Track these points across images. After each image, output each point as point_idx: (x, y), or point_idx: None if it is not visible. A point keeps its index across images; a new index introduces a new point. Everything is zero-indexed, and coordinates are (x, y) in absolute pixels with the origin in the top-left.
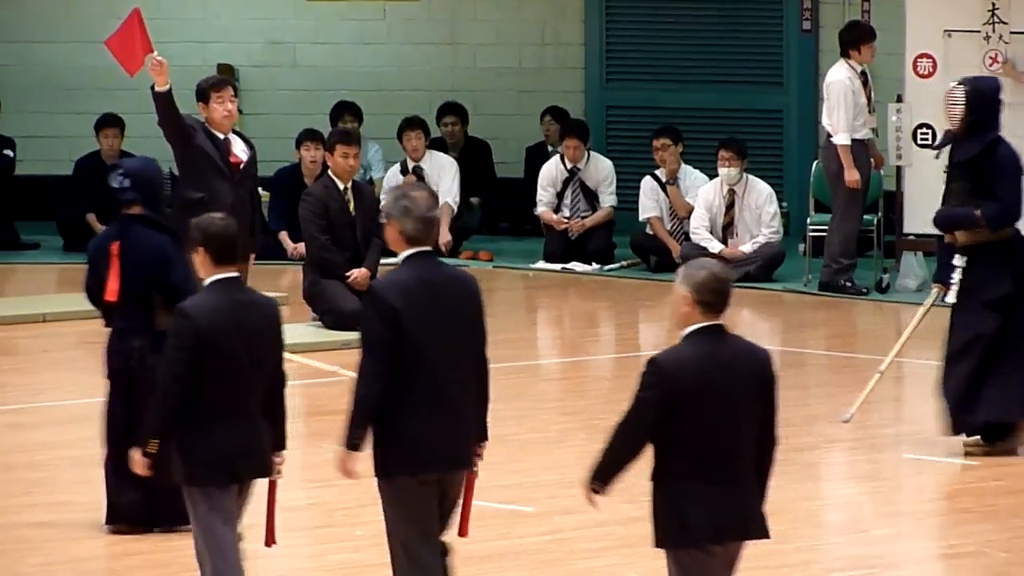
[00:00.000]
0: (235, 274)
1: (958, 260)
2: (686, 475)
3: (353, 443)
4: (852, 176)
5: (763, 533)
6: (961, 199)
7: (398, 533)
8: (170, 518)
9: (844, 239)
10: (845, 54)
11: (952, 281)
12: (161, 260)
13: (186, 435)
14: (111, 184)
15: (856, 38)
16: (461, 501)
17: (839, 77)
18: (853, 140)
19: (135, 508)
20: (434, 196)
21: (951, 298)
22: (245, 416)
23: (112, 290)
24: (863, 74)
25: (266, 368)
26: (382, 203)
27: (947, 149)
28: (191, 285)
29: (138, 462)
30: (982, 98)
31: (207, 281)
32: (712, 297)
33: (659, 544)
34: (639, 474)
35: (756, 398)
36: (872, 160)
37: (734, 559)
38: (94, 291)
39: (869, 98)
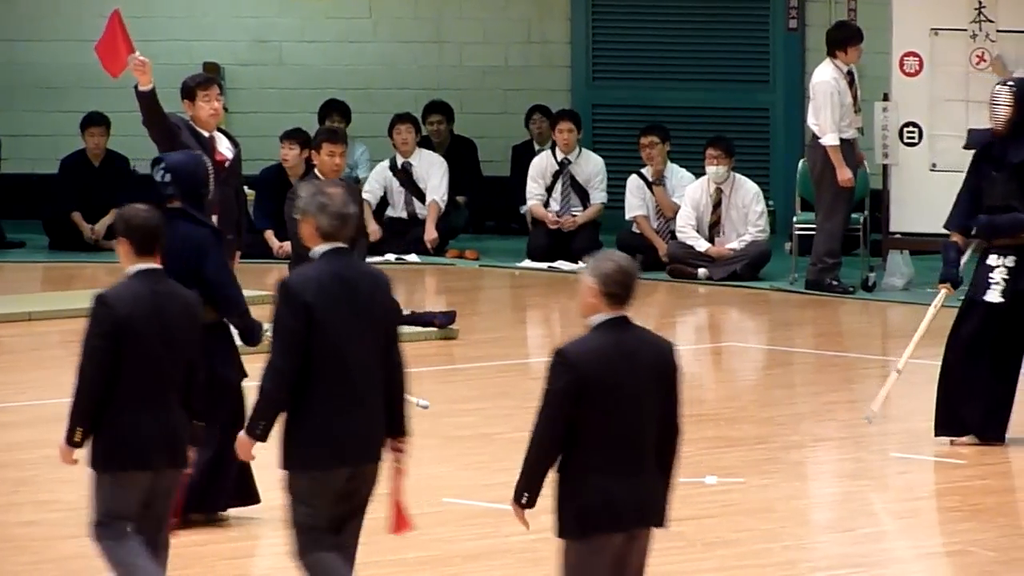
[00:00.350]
0: (157, 266)
1: (996, 259)
2: (589, 464)
3: (256, 433)
4: (844, 175)
5: (661, 522)
6: (1005, 200)
7: (300, 521)
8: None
9: (828, 238)
10: (832, 54)
11: (993, 280)
12: (197, 254)
13: (100, 421)
14: (153, 177)
15: (843, 39)
16: (391, 498)
17: (825, 78)
18: (840, 140)
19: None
20: (349, 193)
21: (994, 297)
22: (161, 407)
23: None
24: (849, 74)
25: (184, 360)
26: (297, 199)
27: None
28: (227, 279)
29: (64, 452)
30: None
31: (129, 271)
32: (618, 289)
33: (560, 534)
34: None
35: (660, 389)
36: (856, 156)
37: (642, 548)
38: None
39: (855, 97)
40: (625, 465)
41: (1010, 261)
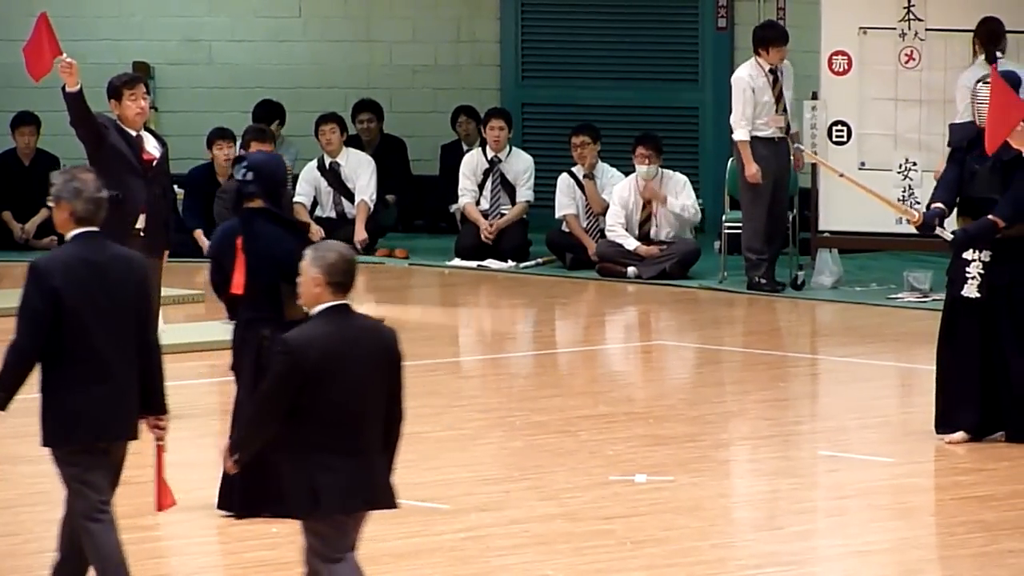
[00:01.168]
0: None
1: (972, 253)
2: (317, 447)
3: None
4: (750, 170)
5: (391, 503)
6: (987, 192)
7: (73, 492)
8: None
9: (749, 235)
10: (756, 52)
11: (969, 274)
12: (286, 253)
13: None
14: (235, 176)
15: (765, 39)
16: (155, 475)
17: (741, 75)
18: (757, 138)
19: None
20: (100, 178)
21: (971, 292)
22: None
23: (238, 283)
24: (772, 72)
25: None
26: (51, 185)
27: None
28: None
29: None
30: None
31: None
32: (342, 277)
33: (292, 515)
34: (553, 473)
35: (383, 373)
36: (793, 159)
37: (358, 526)
38: (220, 285)
39: (779, 97)
40: (352, 447)
41: (986, 256)
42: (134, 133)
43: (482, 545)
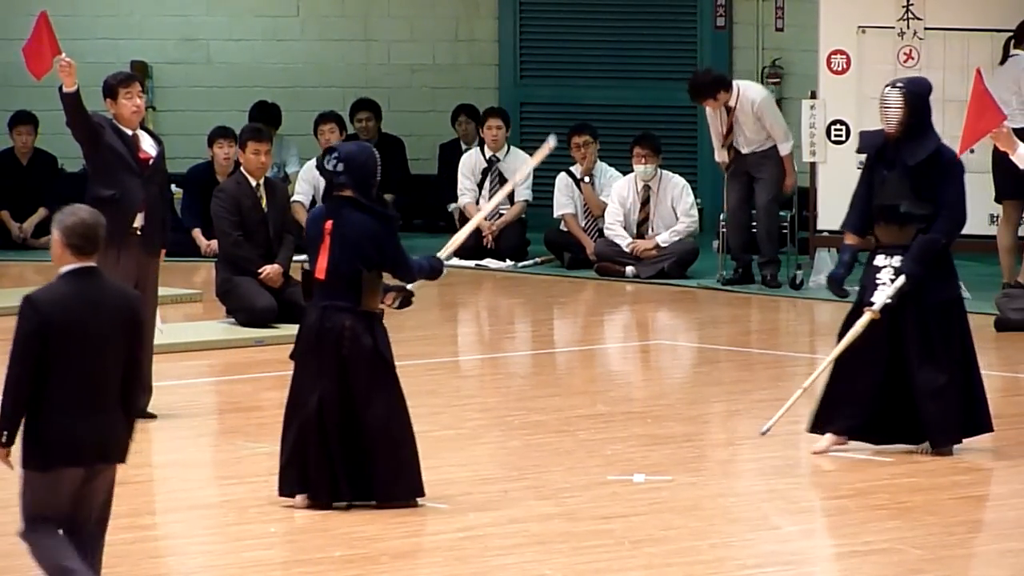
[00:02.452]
0: None
1: (883, 260)
2: (55, 403)
3: None
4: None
5: (121, 458)
6: (895, 199)
7: None
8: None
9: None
10: None
11: (880, 281)
12: (373, 243)
13: None
14: (325, 166)
15: None
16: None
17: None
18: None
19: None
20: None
21: (881, 298)
22: None
23: (320, 267)
24: (726, 107)
25: None
26: None
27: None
28: (401, 258)
29: None
30: (920, 100)
31: None
32: (80, 241)
33: (24, 465)
34: (551, 472)
35: (123, 335)
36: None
37: (104, 483)
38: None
39: (728, 132)
40: (88, 404)
41: (896, 261)
42: (130, 132)
43: (480, 545)
